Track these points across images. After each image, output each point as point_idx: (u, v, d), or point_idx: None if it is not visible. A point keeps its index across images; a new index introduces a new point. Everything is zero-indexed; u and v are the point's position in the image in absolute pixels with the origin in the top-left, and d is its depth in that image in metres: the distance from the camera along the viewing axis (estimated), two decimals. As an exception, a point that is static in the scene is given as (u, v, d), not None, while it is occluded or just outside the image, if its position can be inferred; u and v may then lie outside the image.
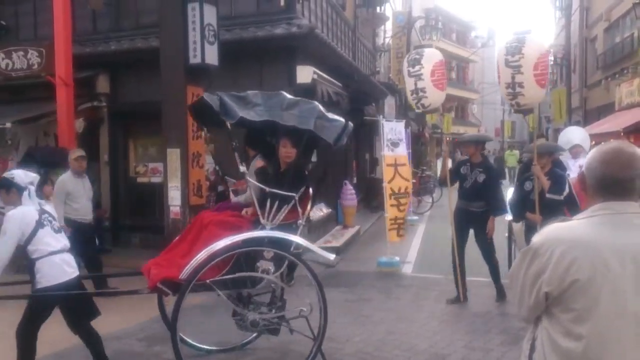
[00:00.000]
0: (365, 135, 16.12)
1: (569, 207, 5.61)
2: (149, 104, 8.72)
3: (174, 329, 3.93)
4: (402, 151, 8.88)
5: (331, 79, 10.20)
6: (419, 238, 10.98)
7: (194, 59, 7.22)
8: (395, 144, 8.74)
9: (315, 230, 9.42)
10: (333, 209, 11.20)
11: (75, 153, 6.80)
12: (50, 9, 8.61)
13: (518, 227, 6.63)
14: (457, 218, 6.44)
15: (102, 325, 4.34)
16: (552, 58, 28.62)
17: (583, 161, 5.90)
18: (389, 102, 19.42)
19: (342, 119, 4.42)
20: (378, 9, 16.38)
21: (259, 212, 4.22)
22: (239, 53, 8.56)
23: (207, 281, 3.98)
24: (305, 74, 8.83)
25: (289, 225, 4.32)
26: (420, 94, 6.75)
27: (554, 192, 5.52)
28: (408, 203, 8.89)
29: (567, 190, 5.49)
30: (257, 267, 4.14)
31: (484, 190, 6.20)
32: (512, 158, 26.24)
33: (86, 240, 6.65)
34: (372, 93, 14.87)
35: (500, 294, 6.26)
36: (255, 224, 4.28)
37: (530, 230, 5.66)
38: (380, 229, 8.44)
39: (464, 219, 6.36)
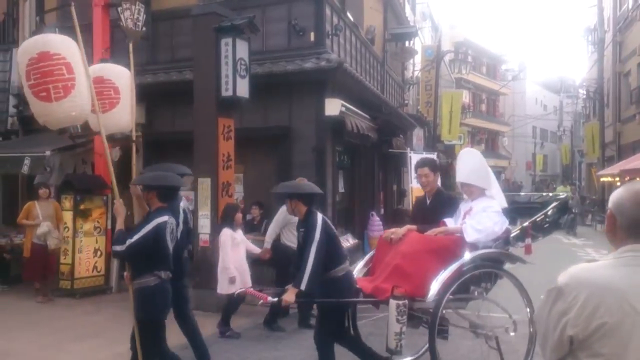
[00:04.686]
0: (393, 166, 16.15)
1: None
2: (182, 134, 8.97)
3: None
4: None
5: (359, 112, 10.33)
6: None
7: (226, 92, 7.45)
8: (424, 177, 8.75)
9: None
10: (360, 239, 11.21)
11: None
12: (90, 43, 9.01)
13: None
14: None
15: (125, 352, 4.41)
16: (585, 92, 28.42)
17: (477, 205, 4.72)
18: (417, 134, 19.46)
19: None
20: (407, 43, 16.57)
21: None
22: (270, 86, 8.78)
23: None
24: (333, 106, 8.98)
25: None
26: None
27: None
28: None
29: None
30: None
31: None
32: None
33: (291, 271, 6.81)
34: (400, 125, 14.94)
35: None
36: None
37: None
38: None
39: None
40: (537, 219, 4.84)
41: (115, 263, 8.64)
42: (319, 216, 4.34)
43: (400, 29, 16.18)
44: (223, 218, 6.48)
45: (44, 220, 8.17)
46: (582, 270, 1.63)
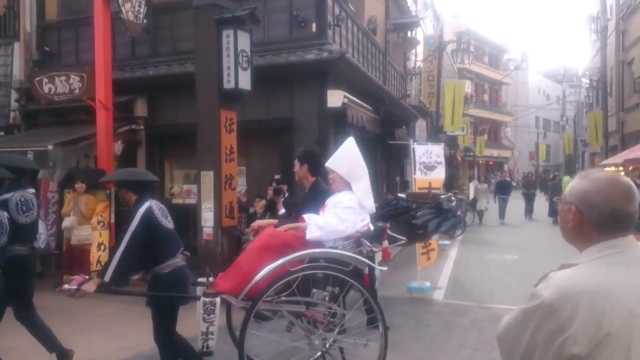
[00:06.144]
0: (395, 158, 16.11)
1: None
2: (184, 127, 8.95)
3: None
4: (439, 175, 8.76)
5: (362, 103, 10.29)
6: (450, 263, 10.85)
7: (228, 84, 7.40)
8: (430, 168, 8.69)
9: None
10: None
11: None
12: (91, 36, 8.97)
13: None
14: None
15: (128, 346, 4.39)
16: (587, 81, 28.29)
17: (331, 200, 4.21)
18: (420, 125, 19.41)
19: None
20: (409, 33, 16.48)
21: None
22: (272, 78, 8.74)
23: None
24: (335, 98, 8.94)
25: None
26: None
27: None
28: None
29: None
30: None
31: None
32: None
33: None
34: (403, 116, 14.90)
35: None
36: None
37: None
38: (411, 252, 8.36)
39: None
40: (401, 221, 4.31)
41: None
42: (145, 205, 3.99)
43: (402, 18, 16.11)
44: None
45: (75, 214, 8.31)
46: (568, 279, 1.44)
